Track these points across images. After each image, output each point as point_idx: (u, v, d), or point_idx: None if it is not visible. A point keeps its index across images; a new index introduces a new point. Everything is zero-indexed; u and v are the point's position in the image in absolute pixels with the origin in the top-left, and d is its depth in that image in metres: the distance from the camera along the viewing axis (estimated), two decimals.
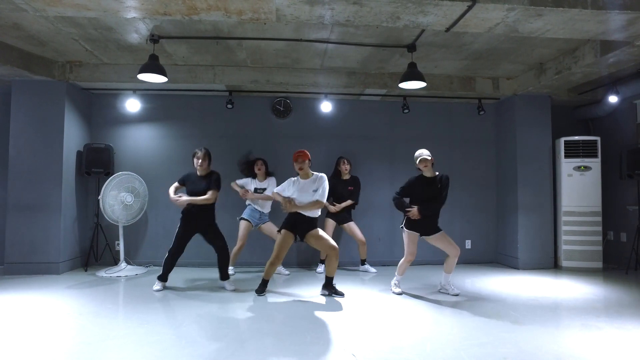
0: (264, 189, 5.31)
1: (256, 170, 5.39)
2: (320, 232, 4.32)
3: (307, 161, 4.25)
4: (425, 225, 4.35)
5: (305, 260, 6.15)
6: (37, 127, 5.40)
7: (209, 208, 4.58)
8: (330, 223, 5.55)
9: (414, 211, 4.27)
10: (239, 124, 6.24)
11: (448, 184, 4.30)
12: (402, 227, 4.44)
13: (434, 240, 4.38)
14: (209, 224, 4.61)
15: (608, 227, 6.29)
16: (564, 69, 5.02)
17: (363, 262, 5.75)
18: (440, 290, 4.59)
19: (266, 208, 5.40)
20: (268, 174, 5.44)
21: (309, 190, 4.20)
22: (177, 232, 4.58)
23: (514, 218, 6.11)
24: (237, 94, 6.11)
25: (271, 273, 4.40)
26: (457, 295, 4.43)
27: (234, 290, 4.56)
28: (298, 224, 4.26)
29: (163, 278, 4.61)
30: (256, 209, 5.36)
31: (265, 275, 4.40)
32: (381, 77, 5.77)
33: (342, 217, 5.58)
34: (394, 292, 4.52)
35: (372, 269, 5.71)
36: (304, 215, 4.24)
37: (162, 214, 6.06)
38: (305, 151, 4.30)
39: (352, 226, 5.56)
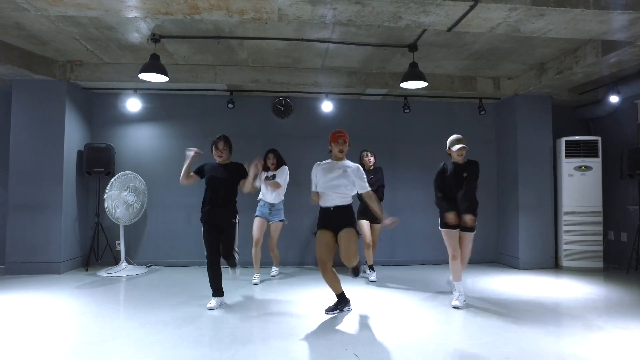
0: (274, 176, 5.22)
1: (269, 165, 5.26)
2: (354, 238, 3.73)
3: (347, 143, 3.76)
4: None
5: (305, 260, 6.15)
6: (37, 127, 5.39)
7: (230, 205, 4.06)
8: (364, 223, 5.22)
9: (450, 216, 3.91)
10: (240, 123, 6.23)
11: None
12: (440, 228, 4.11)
13: (465, 236, 4.06)
14: (226, 220, 4.01)
15: (609, 227, 6.28)
16: (565, 68, 5.01)
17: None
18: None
19: (274, 198, 5.23)
20: (280, 164, 5.33)
21: (338, 169, 3.72)
22: (203, 237, 4.01)
23: (514, 218, 6.11)
24: (238, 93, 6.11)
25: (356, 268, 3.88)
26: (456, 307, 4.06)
27: (234, 279, 4.31)
28: (331, 220, 3.73)
29: (215, 293, 4.00)
30: (265, 203, 5.24)
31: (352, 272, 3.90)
32: (382, 76, 5.77)
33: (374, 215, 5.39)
34: (453, 307, 3.99)
35: (367, 271, 5.61)
36: (331, 209, 3.72)
37: (163, 214, 6.06)
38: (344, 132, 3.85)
39: (377, 227, 5.26)
